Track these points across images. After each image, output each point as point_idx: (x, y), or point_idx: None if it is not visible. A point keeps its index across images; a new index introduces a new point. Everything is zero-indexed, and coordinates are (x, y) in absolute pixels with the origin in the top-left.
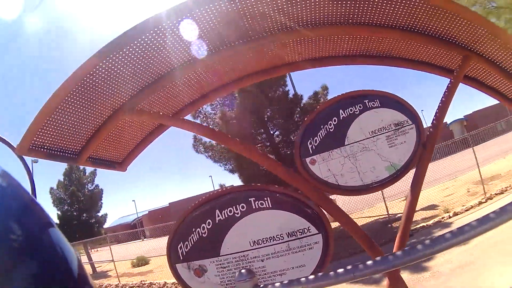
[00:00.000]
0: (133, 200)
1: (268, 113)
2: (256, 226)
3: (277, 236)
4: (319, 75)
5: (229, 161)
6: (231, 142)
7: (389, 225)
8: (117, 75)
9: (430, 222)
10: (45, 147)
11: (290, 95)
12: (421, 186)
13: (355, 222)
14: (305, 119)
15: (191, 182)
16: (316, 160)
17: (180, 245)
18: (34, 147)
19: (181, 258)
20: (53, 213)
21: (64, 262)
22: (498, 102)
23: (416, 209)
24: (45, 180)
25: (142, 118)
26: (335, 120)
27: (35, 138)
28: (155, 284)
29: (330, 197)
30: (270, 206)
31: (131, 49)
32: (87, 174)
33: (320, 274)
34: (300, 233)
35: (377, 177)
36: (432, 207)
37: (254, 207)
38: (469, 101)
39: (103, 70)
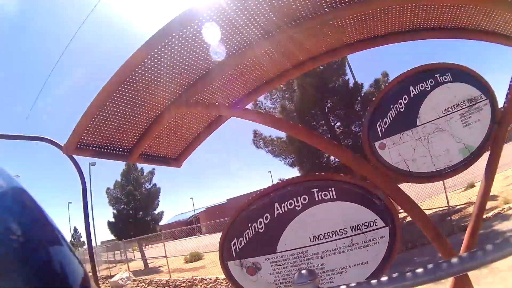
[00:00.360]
0: (190, 198)
1: (329, 104)
2: (318, 220)
3: (340, 231)
4: (379, 60)
5: (289, 155)
6: (296, 130)
7: (448, 218)
8: (169, 66)
9: (490, 214)
10: (94, 145)
11: (350, 85)
12: (495, 170)
13: (427, 215)
14: (373, 99)
15: (250, 178)
16: (386, 144)
17: (234, 241)
18: (82, 146)
19: (234, 255)
20: (109, 212)
21: (62, 275)
22: None
23: (473, 200)
24: (103, 181)
25: (198, 110)
26: (405, 99)
27: (82, 137)
28: (206, 280)
29: None
30: (335, 197)
31: (181, 37)
32: (145, 173)
33: (395, 275)
34: (366, 227)
35: (450, 161)
36: (491, 198)
37: (317, 199)
38: None
39: (153, 63)
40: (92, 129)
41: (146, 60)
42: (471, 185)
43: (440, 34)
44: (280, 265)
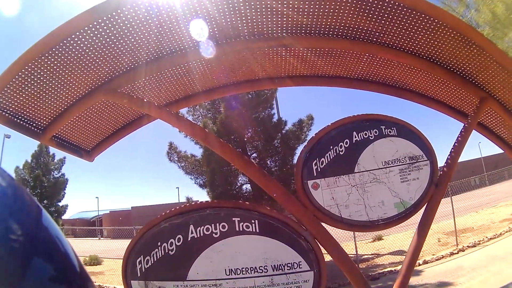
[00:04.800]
0: (96, 197)
1: (249, 134)
2: (236, 252)
3: (260, 268)
4: (308, 103)
5: (202, 175)
6: (224, 149)
7: (356, 265)
8: (106, 43)
9: (399, 268)
10: (8, 112)
11: (274, 119)
12: (428, 228)
13: (353, 262)
14: (314, 135)
15: (157, 189)
16: (319, 184)
17: (140, 259)
18: None
19: (139, 274)
20: None
21: (67, 261)
22: (475, 158)
23: (384, 252)
24: (14, 158)
25: (125, 102)
26: (346, 143)
27: None
28: None
29: None
30: (257, 231)
31: (126, 16)
32: (55, 160)
33: None
34: (289, 268)
35: (385, 214)
36: (401, 252)
37: (237, 229)
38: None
39: (91, 35)
40: (9, 94)
41: (84, 29)
42: (379, 238)
43: (388, 90)
44: None
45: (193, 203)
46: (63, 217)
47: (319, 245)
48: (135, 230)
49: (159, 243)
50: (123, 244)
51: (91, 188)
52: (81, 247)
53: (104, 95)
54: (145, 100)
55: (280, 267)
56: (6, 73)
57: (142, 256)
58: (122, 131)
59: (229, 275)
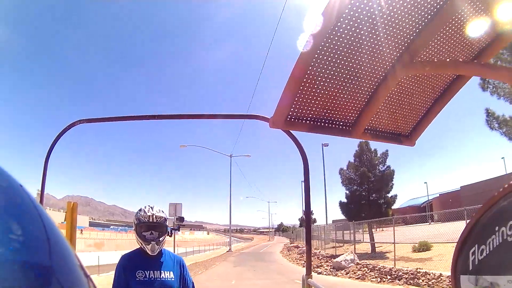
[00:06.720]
0: (425, 182)
1: None
2: None
3: None
4: None
5: None
6: None
7: None
8: (386, 17)
9: None
10: (308, 119)
11: None
12: None
13: None
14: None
15: (481, 164)
16: None
17: (473, 249)
18: (293, 119)
19: (470, 268)
20: (342, 192)
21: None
22: None
23: None
24: (335, 161)
25: (425, 71)
26: None
27: (292, 109)
28: (429, 275)
29: None
30: None
31: None
32: (378, 155)
33: None
34: None
35: None
36: None
37: None
38: None
39: (366, 9)
40: (302, 102)
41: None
42: None
43: None
44: None
45: None
46: (393, 207)
47: None
48: (466, 211)
49: (496, 228)
50: (451, 227)
51: (418, 173)
52: (412, 234)
53: (401, 71)
54: (447, 60)
55: None
56: (286, 90)
57: (476, 246)
58: (436, 105)
59: None
